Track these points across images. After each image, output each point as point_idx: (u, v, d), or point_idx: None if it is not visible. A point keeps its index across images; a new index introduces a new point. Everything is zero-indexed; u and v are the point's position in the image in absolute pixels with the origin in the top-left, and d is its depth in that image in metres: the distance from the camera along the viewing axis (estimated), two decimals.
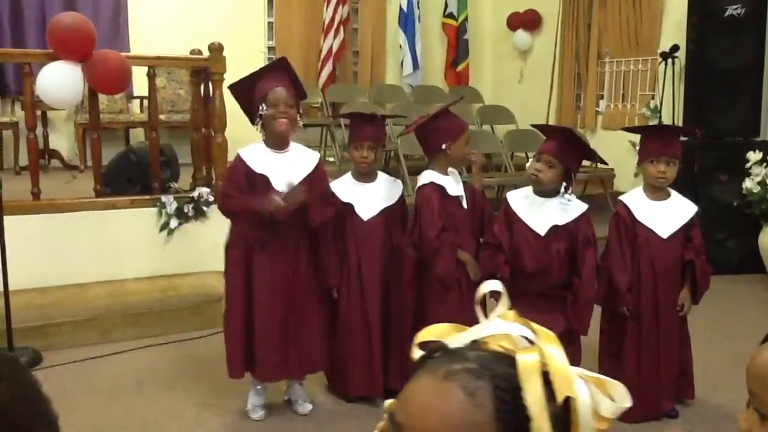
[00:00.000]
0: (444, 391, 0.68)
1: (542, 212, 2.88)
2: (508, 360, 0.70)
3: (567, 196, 2.85)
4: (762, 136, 5.42)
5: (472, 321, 2.73)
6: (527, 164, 2.96)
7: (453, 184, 2.99)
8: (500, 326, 0.74)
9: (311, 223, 2.90)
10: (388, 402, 0.76)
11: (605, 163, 3.18)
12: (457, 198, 2.99)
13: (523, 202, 2.93)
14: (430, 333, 0.78)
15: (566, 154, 2.84)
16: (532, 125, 3.16)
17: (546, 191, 2.89)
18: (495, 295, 0.82)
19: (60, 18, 4.04)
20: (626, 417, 2.95)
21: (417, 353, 0.78)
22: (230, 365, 2.95)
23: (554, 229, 2.85)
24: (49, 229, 4.06)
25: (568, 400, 0.69)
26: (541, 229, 2.86)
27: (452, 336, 0.76)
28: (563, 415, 0.69)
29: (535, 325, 0.74)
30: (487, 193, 6.19)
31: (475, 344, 0.73)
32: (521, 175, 5.93)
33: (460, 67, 8.18)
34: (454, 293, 2.94)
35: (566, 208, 2.87)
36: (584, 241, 2.87)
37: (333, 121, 6.83)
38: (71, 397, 3.17)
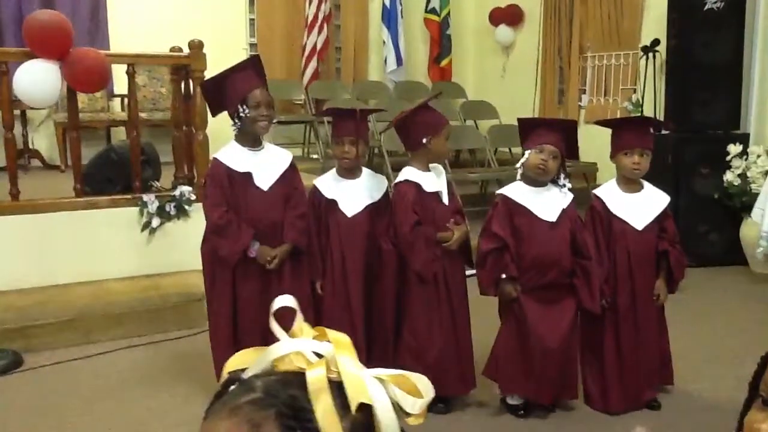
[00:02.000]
0: (230, 430, 0.66)
1: (547, 200, 2.92)
2: (297, 380, 0.68)
3: (567, 184, 2.94)
4: (742, 129, 5.46)
5: (448, 316, 2.70)
6: (523, 157, 2.93)
7: (432, 180, 2.98)
8: (291, 345, 0.73)
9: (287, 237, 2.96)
10: None
11: (577, 159, 3.21)
12: (436, 194, 2.98)
13: (522, 194, 2.94)
14: (237, 361, 0.76)
15: (567, 145, 2.93)
16: (544, 119, 3.16)
17: (542, 182, 2.93)
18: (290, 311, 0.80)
19: (36, 15, 3.98)
20: (609, 407, 3.01)
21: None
22: (218, 367, 2.95)
23: (560, 215, 2.90)
24: (29, 230, 4.01)
25: (368, 407, 0.68)
26: (552, 216, 2.89)
27: (255, 361, 0.74)
28: (365, 422, 0.68)
29: (330, 333, 0.73)
30: (470, 189, 6.28)
31: (268, 369, 0.72)
32: (505, 170, 5.96)
33: (443, 63, 8.19)
34: (431, 288, 2.93)
35: (565, 195, 2.95)
36: (581, 224, 2.96)
37: (316, 117, 6.82)
38: (54, 398, 3.15)
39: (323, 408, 0.66)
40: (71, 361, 3.54)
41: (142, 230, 4.25)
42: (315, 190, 3.09)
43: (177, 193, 4.31)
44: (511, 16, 7.92)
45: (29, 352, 3.58)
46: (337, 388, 0.68)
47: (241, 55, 7.26)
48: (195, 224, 4.10)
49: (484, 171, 6.48)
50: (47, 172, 6.27)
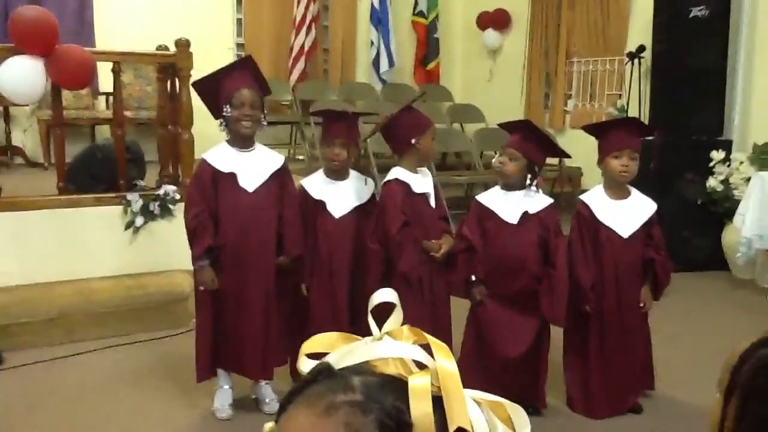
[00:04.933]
0: (324, 429, 0.63)
1: (511, 203, 2.93)
2: (397, 386, 0.65)
3: (533, 188, 2.91)
4: (725, 136, 5.52)
5: (430, 319, 2.70)
6: (493, 160, 3.00)
7: (420, 182, 2.99)
8: (392, 349, 0.69)
9: (289, 253, 2.95)
10: (268, 426, 0.71)
11: (568, 156, 3.21)
12: (424, 195, 2.99)
13: (492, 198, 2.98)
14: (317, 343, 0.73)
15: (527, 146, 2.91)
16: (499, 124, 3.18)
17: (512, 185, 2.94)
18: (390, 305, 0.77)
19: (22, 11, 3.95)
20: (592, 412, 3.02)
21: (305, 364, 0.72)
22: (199, 368, 2.94)
23: (525, 218, 2.89)
24: (12, 228, 3.97)
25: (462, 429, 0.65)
26: (513, 218, 2.90)
27: (340, 349, 0.70)
28: None
29: (430, 338, 0.70)
30: (456, 191, 6.29)
31: (362, 365, 0.68)
32: (490, 173, 5.98)
33: (430, 66, 8.21)
34: (415, 291, 2.92)
35: (532, 199, 2.93)
36: (555, 230, 2.94)
37: (303, 118, 6.81)
38: (36, 397, 3.12)
39: (423, 424, 0.63)
40: (54, 360, 3.51)
41: (126, 229, 4.21)
42: (302, 191, 3.08)
43: (161, 192, 4.28)
44: (498, 21, 7.95)
45: (11, 351, 3.54)
46: (436, 402, 0.65)
47: (228, 54, 7.24)
48: (179, 224, 4.04)
49: (470, 174, 6.50)
50: (30, 169, 6.21)
